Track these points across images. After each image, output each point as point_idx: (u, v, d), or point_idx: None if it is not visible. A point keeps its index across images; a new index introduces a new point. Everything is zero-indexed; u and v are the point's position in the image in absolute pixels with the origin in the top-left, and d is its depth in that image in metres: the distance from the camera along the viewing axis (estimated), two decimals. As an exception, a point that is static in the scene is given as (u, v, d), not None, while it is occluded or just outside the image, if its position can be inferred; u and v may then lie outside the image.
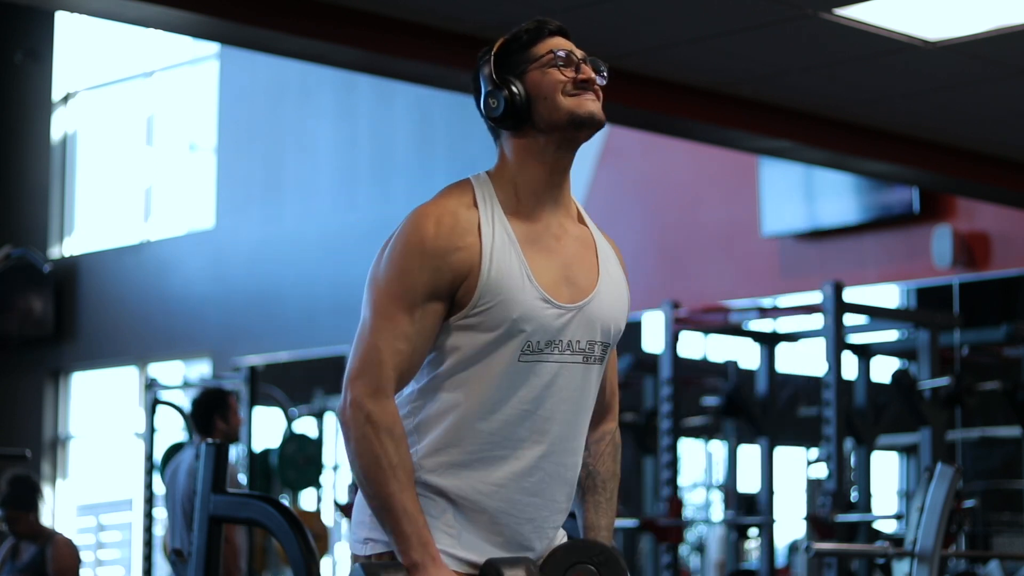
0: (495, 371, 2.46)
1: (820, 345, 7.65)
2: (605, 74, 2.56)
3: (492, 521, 2.48)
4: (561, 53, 2.53)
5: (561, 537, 2.61)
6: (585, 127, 2.52)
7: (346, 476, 9.51)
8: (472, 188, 2.52)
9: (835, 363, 7.42)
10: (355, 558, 2.53)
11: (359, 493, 2.56)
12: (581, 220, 2.62)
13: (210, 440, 4.43)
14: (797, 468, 9.59)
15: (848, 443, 7.87)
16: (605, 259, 2.59)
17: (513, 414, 2.47)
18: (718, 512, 10.57)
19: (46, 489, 13.32)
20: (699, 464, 10.84)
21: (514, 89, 2.50)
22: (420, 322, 2.44)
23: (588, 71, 2.53)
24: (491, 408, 2.46)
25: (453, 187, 2.53)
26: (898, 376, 7.83)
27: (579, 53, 2.54)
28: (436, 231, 2.45)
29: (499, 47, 2.55)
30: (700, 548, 10.58)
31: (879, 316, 8.31)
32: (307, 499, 9.52)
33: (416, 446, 2.48)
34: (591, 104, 2.52)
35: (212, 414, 6.47)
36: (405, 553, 2.38)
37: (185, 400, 11.41)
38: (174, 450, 8.69)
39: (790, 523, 9.46)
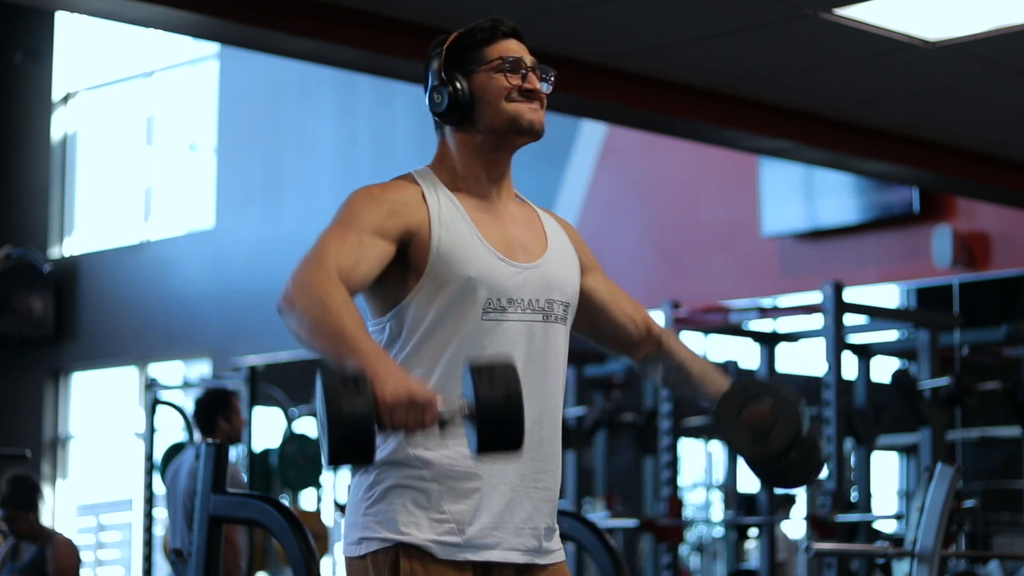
0: (460, 333, 2.49)
1: (820, 345, 7.65)
2: (552, 82, 2.60)
3: (483, 492, 2.49)
4: (510, 59, 2.56)
5: (558, 547, 2.60)
6: (524, 135, 2.57)
7: (346, 476, 9.51)
8: (412, 175, 2.61)
9: (835, 363, 7.42)
10: (349, 560, 2.53)
11: (353, 495, 2.56)
12: (524, 202, 2.69)
13: (210, 440, 4.44)
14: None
15: (848, 443, 7.87)
16: (551, 229, 2.66)
17: None
18: (718, 512, 10.56)
19: (46, 489, 13.32)
20: (699, 464, 10.84)
21: (459, 87, 2.55)
22: (367, 245, 2.46)
23: (534, 80, 2.57)
24: (463, 370, 2.46)
25: (395, 178, 2.61)
26: (898, 376, 7.82)
27: (529, 60, 2.58)
28: (381, 190, 2.54)
29: (451, 42, 2.60)
30: (700, 548, 10.58)
31: (879, 316, 8.31)
32: (307, 499, 9.52)
33: None
34: (532, 114, 2.56)
35: (215, 414, 6.47)
36: (368, 363, 2.32)
37: (185, 400, 11.42)
38: (174, 450, 8.68)
39: (790, 523, 9.46)
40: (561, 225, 2.70)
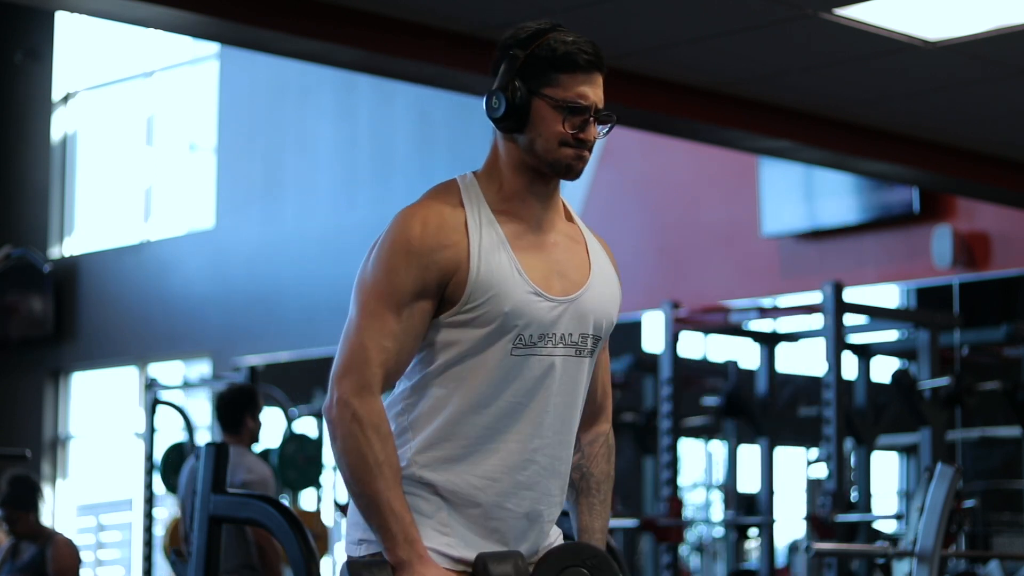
0: (488, 365, 2.46)
1: (820, 345, 7.65)
2: (610, 128, 2.55)
3: (486, 516, 2.48)
4: (576, 105, 2.50)
5: (556, 535, 2.61)
6: (561, 176, 2.54)
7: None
8: (458, 188, 2.54)
9: (835, 363, 7.42)
10: (350, 559, 2.54)
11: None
12: (570, 218, 2.63)
13: (213, 441, 4.43)
14: (797, 468, 9.59)
15: (848, 443, 7.88)
16: (595, 254, 2.60)
17: (506, 407, 2.47)
18: (718, 512, 10.57)
19: (46, 489, 13.32)
20: (699, 464, 10.84)
21: (519, 102, 2.50)
22: (407, 321, 2.44)
23: (591, 132, 2.51)
24: (484, 402, 2.47)
25: (439, 187, 2.55)
26: (898, 376, 7.83)
27: (594, 105, 2.52)
28: (423, 230, 2.46)
29: (532, 50, 2.52)
30: (700, 548, 10.58)
31: (879, 316, 8.31)
32: (307, 499, 9.52)
33: (410, 443, 2.48)
34: (576, 161, 2.51)
35: (243, 412, 6.36)
36: (391, 551, 2.39)
37: (185, 400, 11.42)
38: (174, 450, 8.69)
39: (790, 523, 9.46)
40: (608, 254, 2.64)
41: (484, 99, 2.54)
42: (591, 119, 2.51)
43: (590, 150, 2.53)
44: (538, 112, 2.50)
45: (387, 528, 2.39)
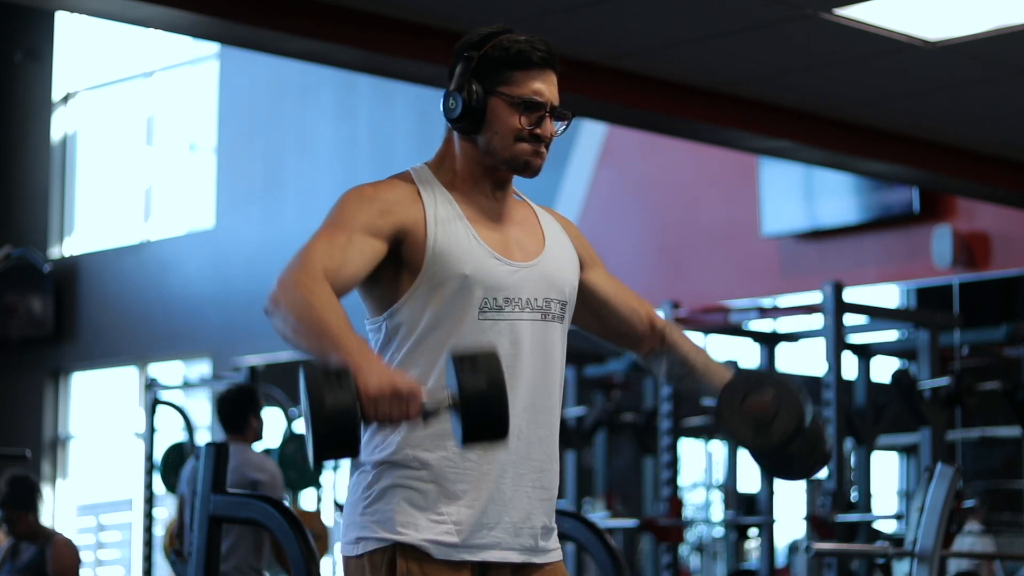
0: (458, 332, 2.49)
1: (820, 345, 7.65)
2: (567, 126, 2.59)
3: (481, 493, 2.48)
4: (531, 100, 2.54)
5: (556, 547, 2.60)
6: (519, 173, 2.58)
7: (346, 476, 9.50)
8: (409, 174, 2.59)
9: (835, 363, 7.42)
10: (347, 560, 2.53)
11: (351, 494, 2.56)
12: (521, 201, 2.68)
13: (213, 441, 4.43)
14: (797, 468, 9.57)
15: (848, 443, 7.87)
16: (549, 228, 2.65)
17: None
18: (718, 512, 10.56)
19: (46, 489, 13.32)
20: (699, 464, 10.84)
21: (475, 102, 2.54)
22: (356, 244, 2.46)
23: (547, 127, 2.56)
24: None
25: (391, 176, 2.60)
26: (898, 376, 7.82)
27: (550, 101, 2.56)
28: (374, 189, 2.53)
29: (484, 51, 2.57)
30: (700, 548, 10.58)
31: (879, 316, 8.31)
32: (307, 499, 9.52)
33: (400, 426, 2.48)
34: (533, 157, 2.56)
35: (246, 411, 6.39)
36: (350, 357, 2.31)
37: (185, 400, 11.42)
38: (174, 450, 8.68)
39: (790, 523, 9.46)
40: (560, 222, 2.70)
41: (441, 102, 2.58)
42: (547, 115, 2.55)
43: (547, 146, 2.57)
44: (494, 111, 2.55)
45: (340, 343, 2.32)
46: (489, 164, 2.57)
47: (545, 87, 2.56)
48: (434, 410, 2.30)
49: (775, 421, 2.61)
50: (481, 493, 2.49)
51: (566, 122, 2.59)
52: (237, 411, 6.38)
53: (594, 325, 2.77)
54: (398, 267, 2.52)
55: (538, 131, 2.54)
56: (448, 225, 2.52)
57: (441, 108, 2.58)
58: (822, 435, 2.69)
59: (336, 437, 2.24)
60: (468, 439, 2.29)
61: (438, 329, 2.49)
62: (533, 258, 2.58)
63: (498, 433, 2.29)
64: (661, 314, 2.86)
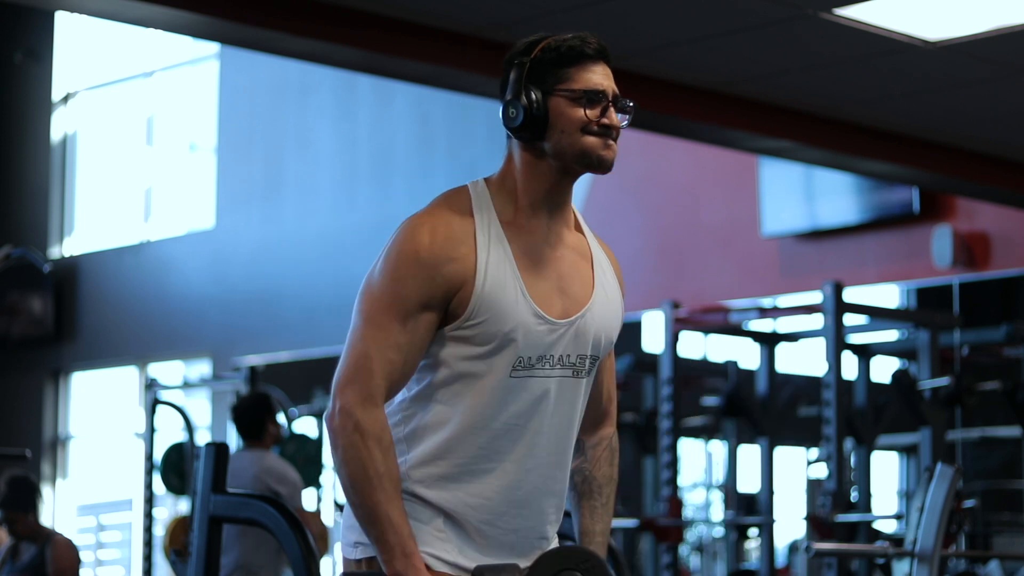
0: (487, 386, 2.44)
1: (820, 345, 7.65)
2: (631, 114, 2.52)
3: (479, 531, 2.48)
4: (592, 91, 2.48)
5: (553, 541, 2.60)
6: (592, 170, 2.50)
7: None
8: (468, 197, 2.50)
9: (835, 363, 7.42)
10: (346, 562, 2.53)
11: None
12: (579, 228, 2.61)
13: (213, 441, 4.43)
14: (797, 468, 9.59)
15: (848, 443, 7.87)
16: (600, 269, 2.58)
17: (503, 429, 2.46)
18: (718, 512, 10.57)
19: (46, 489, 13.32)
20: (699, 464, 10.84)
21: (535, 106, 2.47)
22: (412, 332, 2.42)
23: (613, 116, 2.48)
24: (482, 423, 2.45)
25: (449, 194, 2.51)
26: (898, 376, 7.82)
27: (611, 91, 2.49)
28: (431, 241, 2.43)
29: (536, 55, 2.49)
30: (700, 548, 10.58)
31: (879, 316, 8.31)
32: (307, 499, 9.52)
33: (406, 455, 2.47)
34: (605, 150, 2.48)
35: (264, 418, 6.45)
36: (388, 563, 2.37)
37: (185, 400, 11.42)
38: (174, 450, 8.68)
39: (790, 523, 9.46)
40: (613, 265, 2.62)
41: (500, 114, 2.50)
42: (610, 105, 2.48)
43: (615, 138, 2.49)
44: (556, 111, 2.47)
45: (385, 540, 2.38)
46: (559, 168, 2.49)
47: (603, 78, 2.49)
48: None
49: None
50: (479, 533, 2.48)
51: (629, 114, 2.51)
52: (255, 418, 6.44)
53: None
54: (443, 310, 2.46)
55: (605, 120, 2.47)
56: (496, 271, 2.44)
57: (502, 121, 2.49)
58: None
59: None
60: None
61: (467, 377, 2.45)
62: (576, 310, 2.50)
63: None
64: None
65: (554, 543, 2.59)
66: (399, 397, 2.50)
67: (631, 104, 2.52)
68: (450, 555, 2.47)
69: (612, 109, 2.49)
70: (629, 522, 8.36)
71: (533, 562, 2.51)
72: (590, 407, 2.61)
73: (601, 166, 2.49)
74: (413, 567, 2.38)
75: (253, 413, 6.46)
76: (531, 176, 2.50)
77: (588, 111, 2.46)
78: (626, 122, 2.51)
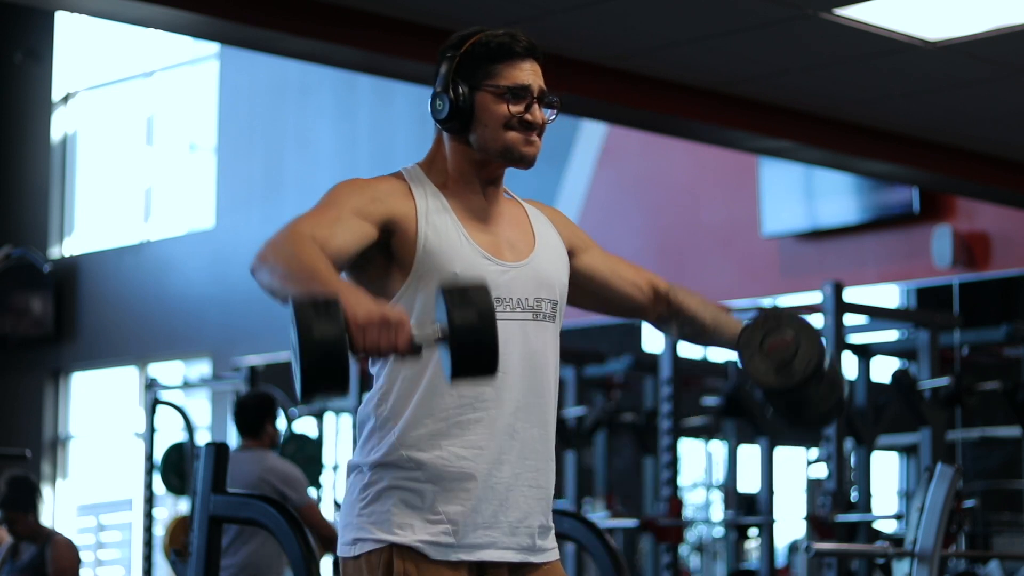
0: None
1: (820, 345, 7.63)
2: (556, 113, 2.60)
3: (477, 492, 2.48)
4: (516, 88, 2.55)
5: (553, 546, 2.59)
6: (514, 164, 2.57)
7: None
8: (400, 172, 2.59)
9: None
10: (344, 560, 2.53)
11: (348, 495, 2.55)
12: (511, 198, 2.68)
13: (213, 441, 4.43)
14: (797, 468, 9.59)
15: (848, 443, 7.87)
16: (538, 225, 2.65)
17: None
18: (718, 512, 10.56)
19: (46, 489, 13.32)
20: (699, 464, 10.84)
21: (461, 100, 2.54)
22: (345, 221, 2.44)
23: (536, 113, 2.56)
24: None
25: (382, 175, 2.60)
26: (898, 376, 7.82)
27: (536, 87, 2.56)
28: (366, 180, 2.54)
29: (465, 49, 2.58)
30: (700, 548, 10.58)
31: (879, 316, 8.31)
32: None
33: (393, 429, 2.49)
34: (526, 147, 2.56)
35: (264, 418, 6.45)
36: (326, 286, 2.27)
37: (185, 400, 11.42)
38: (174, 450, 8.68)
39: (790, 523, 9.46)
40: (547, 215, 2.70)
41: (428, 104, 2.58)
42: (535, 101, 2.56)
43: (539, 134, 2.57)
44: (482, 105, 2.55)
45: (329, 281, 2.28)
46: (482, 160, 2.57)
47: (530, 76, 2.57)
48: (423, 342, 2.25)
49: (796, 358, 2.61)
50: (477, 492, 2.49)
51: (555, 109, 2.59)
52: (255, 417, 6.43)
53: (598, 306, 2.79)
54: (388, 263, 2.51)
55: (528, 117, 2.55)
56: (439, 223, 2.52)
57: (429, 111, 2.58)
58: (840, 380, 2.70)
59: (323, 366, 2.18)
60: (458, 373, 2.25)
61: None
62: (524, 258, 2.58)
63: (488, 367, 2.24)
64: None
65: (554, 547, 2.59)
66: (376, 381, 2.52)
67: (557, 99, 2.60)
68: (446, 537, 2.47)
69: (536, 105, 2.56)
70: (629, 522, 8.36)
71: (740, 332, 2.68)
72: (633, 295, 2.74)
73: (522, 161, 2.56)
74: (355, 288, 2.30)
75: (255, 411, 6.45)
76: (459, 162, 2.59)
77: (512, 107, 2.54)
78: (553, 116, 2.59)
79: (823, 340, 2.65)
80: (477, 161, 2.58)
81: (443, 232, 2.51)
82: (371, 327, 2.21)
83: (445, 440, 2.47)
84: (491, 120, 2.54)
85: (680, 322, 2.80)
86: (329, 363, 2.19)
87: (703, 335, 2.82)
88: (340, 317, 2.19)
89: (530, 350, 2.54)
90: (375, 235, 2.48)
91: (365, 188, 2.52)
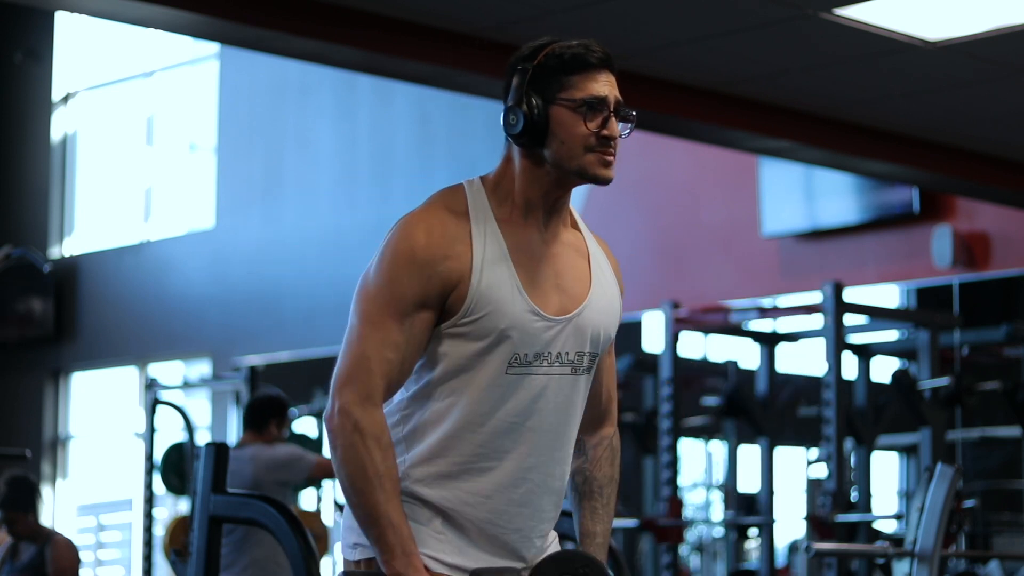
0: (483, 382, 2.44)
1: (820, 345, 7.65)
2: (632, 123, 2.51)
3: (479, 531, 2.47)
4: (594, 99, 2.45)
5: (552, 541, 2.60)
6: (588, 182, 2.49)
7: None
8: (464, 195, 2.49)
9: (835, 363, 7.42)
10: (345, 563, 2.53)
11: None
12: (575, 226, 2.60)
13: (213, 441, 4.43)
14: (797, 468, 9.59)
15: (848, 443, 7.88)
16: (597, 266, 2.57)
17: (501, 426, 2.45)
18: (718, 512, 10.57)
19: (46, 489, 13.32)
20: (699, 464, 10.84)
21: (536, 114, 2.45)
22: (409, 331, 2.41)
23: (614, 128, 2.46)
24: (479, 420, 2.44)
25: (445, 192, 2.50)
26: (898, 376, 7.83)
27: (613, 99, 2.47)
28: (427, 240, 2.42)
29: (538, 61, 2.47)
30: (700, 548, 10.58)
31: (879, 316, 8.31)
32: (307, 499, 9.52)
33: (404, 455, 2.46)
34: (604, 167, 2.46)
35: (269, 418, 6.48)
36: (388, 563, 2.37)
37: (185, 400, 11.42)
38: (174, 450, 8.69)
39: (790, 523, 9.46)
40: (610, 261, 2.61)
41: (501, 119, 2.49)
42: (612, 115, 2.46)
43: (615, 149, 2.47)
44: (557, 119, 2.45)
45: (385, 540, 2.37)
46: (556, 179, 2.48)
47: (606, 87, 2.47)
48: None
49: None
50: (478, 532, 2.48)
51: (631, 122, 2.50)
52: (261, 415, 6.46)
53: None
54: (440, 308, 2.46)
55: (605, 132, 2.45)
56: (492, 268, 2.43)
57: (502, 125, 2.48)
58: None
59: None
60: None
61: (463, 374, 2.44)
62: (573, 307, 2.50)
63: None
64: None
65: (553, 542, 2.59)
66: (397, 397, 2.49)
67: (633, 113, 2.51)
68: (449, 556, 2.46)
69: (613, 119, 2.47)
70: (629, 522, 8.37)
71: (533, 567, 2.50)
72: (590, 406, 2.60)
73: (597, 182, 2.48)
74: (412, 567, 2.37)
75: (262, 410, 6.50)
76: (529, 180, 2.49)
77: (589, 122, 2.45)
78: (628, 131, 2.50)
79: None
80: (549, 180, 2.48)
81: (496, 280, 2.43)
82: None
83: (453, 483, 2.45)
84: (567, 136, 2.45)
85: (579, 470, 2.65)
86: None
87: (573, 503, 2.67)
88: None
89: (560, 404, 2.49)
90: (435, 317, 2.44)
91: (425, 263, 2.41)
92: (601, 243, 2.62)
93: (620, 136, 2.48)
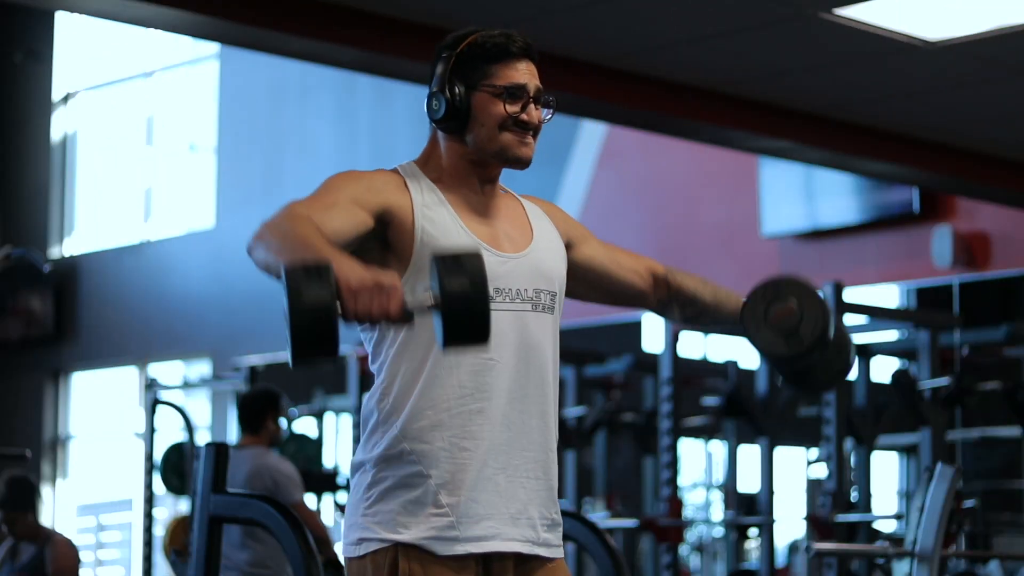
0: None
1: (820, 345, 7.63)
2: (552, 112, 2.61)
3: (477, 483, 2.48)
4: (514, 87, 2.56)
5: (558, 539, 2.60)
6: (510, 165, 2.59)
7: (346, 476, 9.51)
8: (396, 168, 2.62)
9: (835, 363, 7.40)
10: (348, 561, 2.53)
11: (352, 495, 2.55)
12: (507, 193, 2.69)
13: (213, 441, 4.43)
14: (797, 468, 9.59)
15: (848, 443, 7.87)
16: (535, 219, 2.66)
17: (475, 365, 2.49)
18: (718, 512, 10.56)
19: (46, 489, 13.32)
20: (699, 464, 10.84)
21: (457, 100, 2.55)
22: (342, 207, 2.46)
23: (532, 113, 2.57)
24: (452, 362, 2.48)
25: (378, 169, 2.62)
26: (898, 376, 7.82)
27: (533, 87, 2.58)
28: (361, 173, 2.56)
29: (461, 49, 2.59)
30: (700, 548, 10.58)
31: (879, 316, 8.31)
32: (307, 499, 9.51)
33: (395, 423, 2.49)
34: (522, 148, 2.57)
35: (265, 414, 6.38)
36: (319, 253, 2.26)
37: (185, 400, 11.42)
38: (174, 450, 8.68)
39: (790, 523, 9.46)
40: (544, 209, 2.71)
41: (425, 104, 2.59)
42: (531, 101, 2.57)
43: (535, 135, 2.58)
44: (478, 105, 2.56)
45: (323, 248, 2.28)
46: (478, 160, 2.58)
47: (526, 76, 2.58)
48: (415, 309, 2.23)
49: (802, 324, 2.60)
50: (477, 483, 2.49)
51: (552, 108, 2.60)
52: (256, 413, 6.37)
53: (600, 296, 2.79)
54: (386, 254, 2.52)
55: (524, 117, 2.56)
56: (435, 215, 2.53)
57: (425, 111, 2.60)
58: (847, 341, 2.70)
59: (313, 331, 2.16)
60: (450, 340, 2.23)
61: (427, 324, 2.44)
62: (522, 249, 2.59)
63: (480, 334, 2.23)
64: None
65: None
66: (377, 378, 2.52)
67: (553, 99, 2.61)
68: (450, 531, 2.47)
69: (533, 105, 2.57)
70: (629, 522, 8.36)
71: (744, 302, 2.67)
72: (634, 282, 2.73)
73: (518, 163, 2.58)
74: (348, 256, 2.28)
75: (256, 407, 6.39)
76: (455, 160, 2.60)
77: (508, 106, 2.55)
78: (549, 115, 2.60)
79: (826, 302, 2.65)
80: (473, 161, 2.59)
81: (440, 224, 2.52)
82: (363, 292, 2.19)
83: (446, 431, 2.48)
84: (487, 120, 2.56)
85: (680, 304, 2.81)
86: (319, 328, 2.16)
87: (705, 314, 2.82)
88: (331, 282, 2.16)
89: (529, 341, 2.55)
90: (371, 223, 2.49)
91: (361, 178, 2.55)
92: (535, 200, 2.72)
93: (543, 121, 2.59)
